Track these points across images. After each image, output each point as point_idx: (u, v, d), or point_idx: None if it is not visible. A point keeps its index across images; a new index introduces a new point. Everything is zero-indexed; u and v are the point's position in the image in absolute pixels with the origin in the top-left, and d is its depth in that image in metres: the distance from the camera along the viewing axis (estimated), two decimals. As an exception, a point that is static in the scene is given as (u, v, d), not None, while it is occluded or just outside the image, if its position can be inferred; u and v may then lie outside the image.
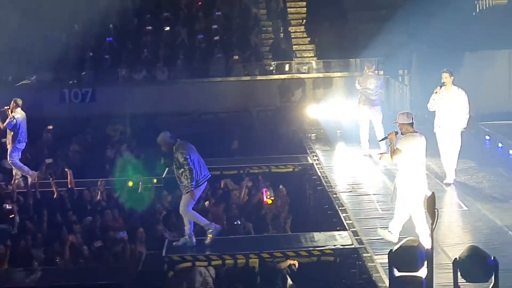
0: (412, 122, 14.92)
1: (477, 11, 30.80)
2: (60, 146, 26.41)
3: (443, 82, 18.76)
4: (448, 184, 19.06)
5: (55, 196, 20.60)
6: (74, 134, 27.01)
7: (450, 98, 18.76)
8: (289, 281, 15.69)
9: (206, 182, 16.10)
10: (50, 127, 27.17)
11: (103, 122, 27.52)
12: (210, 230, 16.02)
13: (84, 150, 26.08)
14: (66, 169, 22.41)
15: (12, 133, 22.20)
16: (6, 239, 17.68)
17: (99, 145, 26.19)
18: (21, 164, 22.50)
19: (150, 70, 30.10)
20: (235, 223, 18.29)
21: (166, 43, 31.22)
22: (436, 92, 18.78)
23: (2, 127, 22.16)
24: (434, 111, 19.09)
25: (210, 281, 15.65)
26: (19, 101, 22.43)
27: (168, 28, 31.85)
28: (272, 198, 20.26)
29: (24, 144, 22.64)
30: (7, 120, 22.11)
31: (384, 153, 15.55)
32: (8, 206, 19.63)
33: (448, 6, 26.71)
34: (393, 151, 14.76)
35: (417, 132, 14.93)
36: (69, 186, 21.11)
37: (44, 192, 20.97)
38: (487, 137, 23.10)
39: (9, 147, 22.35)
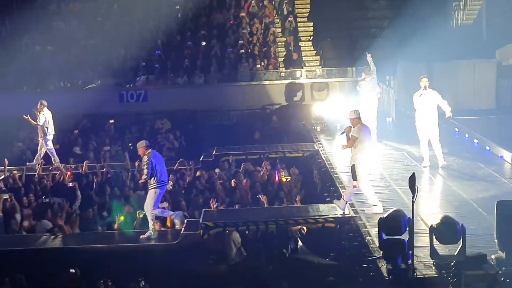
0: (359, 117, 15.34)
1: (449, 29, 30.70)
2: (119, 136, 26.49)
3: (425, 86, 18.77)
4: (425, 167, 19.06)
5: (108, 175, 20.60)
6: (129, 127, 27.04)
7: (429, 98, 18.78)
8: (299, 243, 15.71)
9: (164, 187, 16.03)
10: (112, 121, 27.28)
11: (153, 117, 27.58)
12: (176, 219, 16.19)
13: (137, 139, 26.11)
14: (125, 154, 22.52)
15: (42, 128, 21.92)
16: (63, 211, 17.75)
17: (151, 135, 26.24)
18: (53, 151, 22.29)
19: (190, 76, 30.07)
20: (257, 196, 18.33)
21: (203, 54, 31.22)
22: (420, 95, 18.80)
23: (34, 124, 21.91)
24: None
25: (238, 243, 15.69)
26: (45, 102, 22.11)
27: (204, 43, 31.84)
28: (287, 177, 20.31)
29: (52, 136, 22.28)
30: (38, 118, 21.84)
31: (344, 145, 15.73)
32: (71, 184, 19.67)
33: (426, 26, 26.65)
34: (351, 140, 15.10)
35: (363, 124, 15.39)
36: (127, 166, 21.15)
37: (105, 172, 20.97)
38: (456, 129, 23.05)
39: (40, 140, 22.10)
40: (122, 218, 16.97)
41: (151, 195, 15.71)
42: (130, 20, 33.21)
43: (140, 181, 16.89)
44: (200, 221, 15.57)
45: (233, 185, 19.16)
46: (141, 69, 30.72)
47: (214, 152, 22.98)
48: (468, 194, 16.71)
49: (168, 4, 33.42)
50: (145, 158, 15.70)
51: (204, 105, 28.61)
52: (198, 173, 20.31)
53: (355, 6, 33.48)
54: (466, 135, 22.32)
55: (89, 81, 30.05)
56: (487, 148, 21.00)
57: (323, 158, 21.19)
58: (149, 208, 15.76)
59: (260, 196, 18.16)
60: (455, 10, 31.99)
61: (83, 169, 21.16)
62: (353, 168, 15.35)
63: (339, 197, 17.09)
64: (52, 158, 22.21)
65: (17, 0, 34.11)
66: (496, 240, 12.12)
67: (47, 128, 21.99)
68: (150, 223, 15.76)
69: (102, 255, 14.96)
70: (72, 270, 13.36)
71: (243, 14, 33.34)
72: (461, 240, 12.22)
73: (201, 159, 22.35)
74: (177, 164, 21.05)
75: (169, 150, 24.86)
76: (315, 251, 15.42)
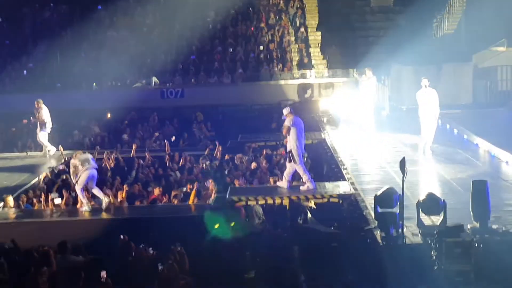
0: (291, 112, 15.63)
1: (433, 38, 30.54)
2: (161, 126, 26.55)
3: (425, 85, 18.64)
4: (425, 154, 18.89)
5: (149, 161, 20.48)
6: (170, 119, 27.07)
7: (430, 95, 18.64)
8: (309, 215, 15.70)
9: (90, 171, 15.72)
10: (155, 114, 27.32)
11: (189, 111, 27.59)
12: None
13: (176, 129, 26.19)
14: (165, 141, 22.54)
15: (42, 122, 21.79)
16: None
17: (187, 126, 26.29)
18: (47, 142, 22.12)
19: (219, 76, 30.06)
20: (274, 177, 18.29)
21: (230, 58, 31.20)
22: (423, 93, 18.67)
23: (39, 119, 21.76)
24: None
25: (260, 213, 15.68)
26: (41, 100, 21.96)
27: (231, 50, 31.83)
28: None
29: (50, 128, 22.09)
30: (41, 114, 21.70)
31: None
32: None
33: (415, 35, 26.54)
34: (284, 128, 15.50)
35: (296, 115, 15.64)
36: (167, 151, 21.18)
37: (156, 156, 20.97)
38: (439, 121, 22.91)
39: (39, 132, 21.89)
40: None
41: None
42: (170, 30, 33.21)
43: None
44: (227, 196, 15.58)
45: (254, 167, 19.13)
46: (179, 70, 30.75)
47: (239, 139, 22.98)
48: (449, 175, 16.69)
49: (201, 17, 33.42)
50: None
51: (230, 101, 28.58)
52: (226, 157, 20.30)
53: (356, 19, 33.55)
54: (448, 126, 22.21)
55: (136, 81, 30.12)
56: (465, 136, 20.93)
57: (329, 145, 21.19)
58: (78, 188, 15.72)
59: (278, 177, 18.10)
60: (438, 22, 31.87)
61: (132, 153, 21.17)
62: (290, 152, 15.44)
63: (341, 177, 17.09)
64: (44, 148, 21.98)
65: (77, 14, 34.19)
66: (471, 213, 12.12)
67: (46, 122, 21.82)
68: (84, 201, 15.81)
69: (145, 224, 15.00)
70: (122, 237, 13.36)
71: (262, 25, 33.31)
72: (442, 212, 12.20)
73: (228, 145, 22.36)
74: (208, 149, 21.05)
75: (202, 138, 24.93)
76: (321, 221, 15.37)
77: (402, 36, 27.47)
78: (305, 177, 15.65)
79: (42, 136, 21.94)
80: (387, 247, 11.80)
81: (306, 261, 13.49)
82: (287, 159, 15.78)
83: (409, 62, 25.92)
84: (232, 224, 12.58)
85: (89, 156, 16.18)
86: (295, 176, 15.98)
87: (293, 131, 15.43)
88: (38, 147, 22.92)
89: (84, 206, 15.78)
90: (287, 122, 15.50)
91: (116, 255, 12.95)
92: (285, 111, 15.72)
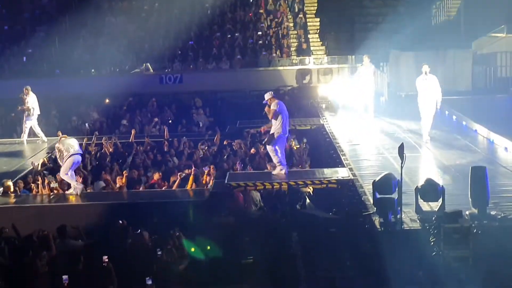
0: (273, 96, 15.63)
1: (432, 24, 30.45)
2: (160, 112, 26.50)
3: (425, 71, 18.54)
4: (426, 142, 18.66)
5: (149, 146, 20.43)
6: (169, 104, 27.04)
7: (430, 82, 18.53)
8: (307, 200, 15.69)
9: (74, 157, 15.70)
10: (154, 99, 27.28)
11: (187, 97, 27.57)
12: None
13: (174, 115, 26.17)
14: (164, 126, 22.51)
15: (28, 109, 21.45)
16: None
17: (186, 111, 26.26)
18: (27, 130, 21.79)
19: (218, 63, 30.02)
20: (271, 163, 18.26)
21: (228, 44, 31.14)
22: (423, 80, 18.55)
23: (24, 108, 21.44)
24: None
25: (258, 199, 15.68)
26: (29, 88, 21.54)
27: (229, 36, 31.77)
28: (297, 146, 20.23)
29: (36, 115, 21.73)
30: (26, 102, 21.37)
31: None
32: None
33: (414, 21, 26.40)
34: (271, 112, 15.40)
35: (279, 100, 15.67)
36: (166, 137, 21.13)
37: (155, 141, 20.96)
38: (438, 107, 22.87)
39: (26, 120, 21.59)
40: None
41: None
42: (168, 16, 33.25)
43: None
44: (226, 181, 15.55)
45: (252, 152, 19.10)
46: (177, 56, 30.69)
47: (237, 125, 22.94)
48: (447, 161, 16.61)
49: (199, 2, 33.38)
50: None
51: (229, 87, 28.57)
52: (224, 142, 20.26)
53: (354, 4, 33.29)
54: (446, 112, 22.14)
55: (134, 67, 30.07)
56: (464, 123, 20.86)
57: (327, 130, 21.13)
58: (62, 173, 15.69)
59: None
60: (438, 8, 31.76)
61: (131, 138, 21.13)
62: (272, 135, 15.43)
63: (339, 163, 17.06)
64: (22, 134, 21.82)
65: (75, 0, 34.12)
66: (469, 199, 12.07)
67: (33, 109, 21.53)
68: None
69: (144, 209, 14.99)
70: (120, 222, 13.38)
71: (261, 11, 33.24)
72: (441, 198, 12.17)
73: (226, 130, 22.32)
74: (206, 135, 21.00)
75: (201, 123, 24.89)
76: (320, 207, 15.39)
77: (401, 23, 27.36)
78: (275, 159, 15.56)
79: (28, 123, 21.71)
80: (385, 232, 11.76)
81: (304, 247, 13.51)
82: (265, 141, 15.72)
83: (408, 48, 25.83)
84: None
85: (74, 141, 16.08)
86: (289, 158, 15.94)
87: (279, 115, 15.38)
88: (34, 134, 22.83)
89: (74, 189, 15.73)
90: (273, 106, 15.41)
91: (115, 240, 12.96)
92: (267, 95, 15.63)
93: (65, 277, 10.87)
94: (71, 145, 15.79)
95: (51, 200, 15.83)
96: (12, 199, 15.87)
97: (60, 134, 21.08)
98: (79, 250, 12.45)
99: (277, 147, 15.49)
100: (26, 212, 15.02)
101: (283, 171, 15.54)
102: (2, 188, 16.26)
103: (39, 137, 21.91)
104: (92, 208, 15.27)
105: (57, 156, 16.00)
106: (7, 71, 29.78)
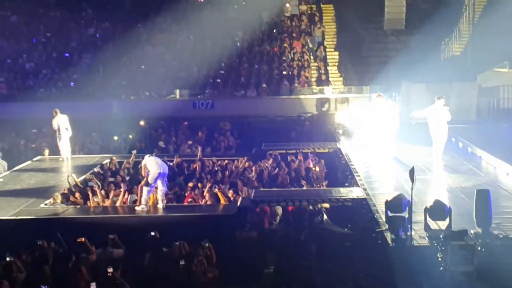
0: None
1: (441, 59, 30.47)
2: (193, 134, 26.62)
3: (442, 105, 18.47)
4: (441, 166, 18.62)
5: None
6: (201, 127, 27.14)
7: (443, 111, 18.54)
8: (325, 216, 15.72)
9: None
10: (186, 122, 27.41)
11: (218, 121, 27.72)
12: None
13: (206, 137, 26.25)
14: (198, 147, 22.52)
15: (56, 131, 21.31)
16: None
17: (215, 134, 26.37)
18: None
19: (245, 90, 30.17)
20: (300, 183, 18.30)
21: (255, 75, 31.33)
22: (436, 109, 18.50)
23: (54, 127, 21.23)
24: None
25: (279, 214, 15.72)
26: (57, 110, 21.28)
27: (257, 66, 31.97)
28: (316, 167, 20.23)
29: (66, 135, 21.39)
30: (54, 123, 21.18)
31: None
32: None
33: (424, 55, 26.47)
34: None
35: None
36: (198, 157, 21.05)
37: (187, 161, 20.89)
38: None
39: (59, 141, 21.38)
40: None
41: None
42: (202, 47, 33.49)
43: None
44: (252, 197, 15.62)
45: (276, 172, 19.17)
46: (209, 84, 30.91)
47: (262, 147, 23.02)
48: (454, 183, 16.56)
49: (230, 36, 33.63)
50: None
51: (255, 112, 28.61)
52: (246, 164, 20.25)
53: (370, 40, 33.66)
54: (453, 139, 22.09)
55: (170, 92, 30.29)
56: (469, 149, 20.78)
57: (343, 153, 21.13)
58: None
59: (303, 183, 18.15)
60: (446, 44, 31.78)
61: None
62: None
63: (354, 183, 17.05)
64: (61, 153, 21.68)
65: (119, 30, 34.55)
66: (474, 219, 12.05)
67: (60, 130, 21.35)
68: None
69: (175, 222, 15.02)
70: (153, 233, 13.39)
71: (285, 45, 33.43)
72: (448, 218, 12.17)
73: (252, 152, 22.41)
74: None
75: (229, 146, 25.02)
76: (336, 223, 15.39)
77: (412, 57, 27.42)
78: (145, 199, 15.50)
79: (60, 143, 21.58)
80: (396, 248, 11.78)
81: (321, 259, 13.52)
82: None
83: (419, 80, 25.84)
84: None
85: (159, 160, 16.06)
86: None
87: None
88: (82, 150, 23.04)
89: (141, 206, 15.68)
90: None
91: (149, 250, 13.01)
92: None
93: (93, 284, 10.88)
94: (159, 163, 15.83)
95: (95, 212, 15.94)
96: (61, 210, 16.01)
97: (115, 159, 20.95)
98: (119, 258, 12.55)
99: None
100: (73, 222, 15.12)
101: (145, 209, 15.46)
102: (52, 199, 16.49)
103: (61, 155, 21.72)
104: (133, 220, 15.29)
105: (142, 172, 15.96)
106: (54, 94, 30.08)
